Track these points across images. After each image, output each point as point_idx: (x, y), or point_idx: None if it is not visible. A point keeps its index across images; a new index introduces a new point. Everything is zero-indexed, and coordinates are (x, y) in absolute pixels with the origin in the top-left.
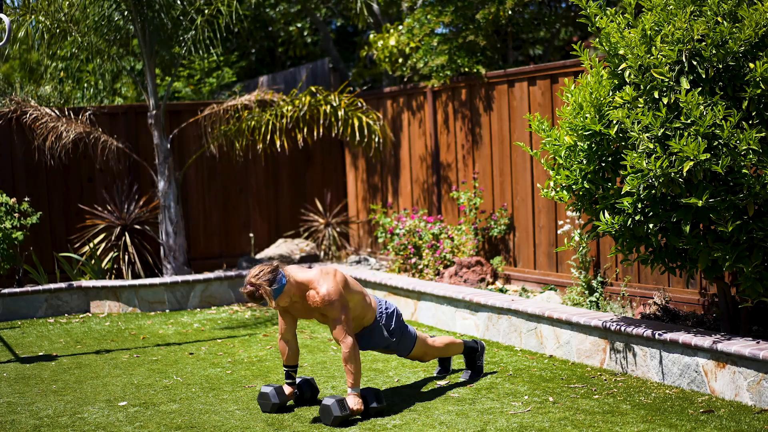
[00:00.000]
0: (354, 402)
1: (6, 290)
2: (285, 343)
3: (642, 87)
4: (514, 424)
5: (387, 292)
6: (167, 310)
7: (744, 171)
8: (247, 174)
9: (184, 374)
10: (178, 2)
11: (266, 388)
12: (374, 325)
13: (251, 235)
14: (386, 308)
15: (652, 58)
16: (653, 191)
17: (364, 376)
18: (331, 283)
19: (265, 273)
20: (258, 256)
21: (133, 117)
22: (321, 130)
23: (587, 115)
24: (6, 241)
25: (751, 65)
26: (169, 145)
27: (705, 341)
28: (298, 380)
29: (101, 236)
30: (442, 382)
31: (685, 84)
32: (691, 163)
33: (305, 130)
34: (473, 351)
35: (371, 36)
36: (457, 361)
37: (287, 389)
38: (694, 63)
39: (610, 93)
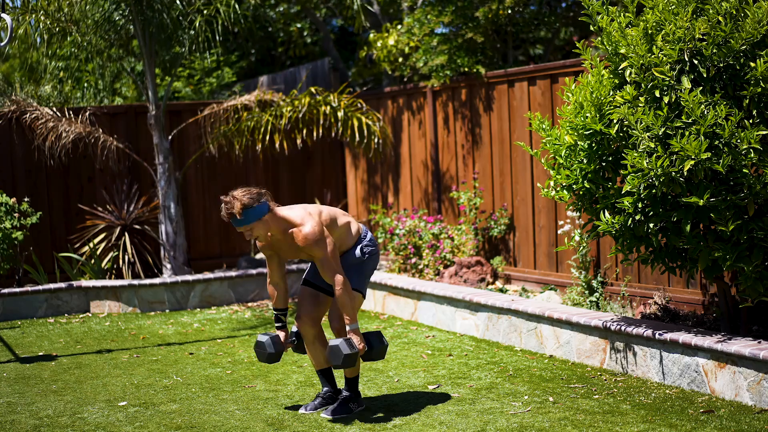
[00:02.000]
0: (358, 340)
1: (6, 290)
2: (274, 287)
3: (643, 86)
4: (514, 424)
5: (387, 292)
6: (167, 310)
7: (744, 170)
8: (247, 174)
9: (184, 374)
10: (178, 2)
11: (262, 337)
12: (353, 246)
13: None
14: (371, 237)
15: (653, 57)
16: (654, 191)
17: (364, 376)
18: (314, 222)
19: (250, 192)
20: (258, 256)
21: (133, 117)
22: (320, 131)
23: (588, 115)
24: (6, 241)
25: (752, 64)
26: (169, 145)
27: (705, 341)
28: (294, 329)
29: (101, 236)
30: (442, 382)
31: (686, 83)
32: (692, 163)
33: (305, 131)
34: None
35: (371, 36)
36: (458, 360)
37: (281, 335)
38: (695, 62)
39: (611, 92)
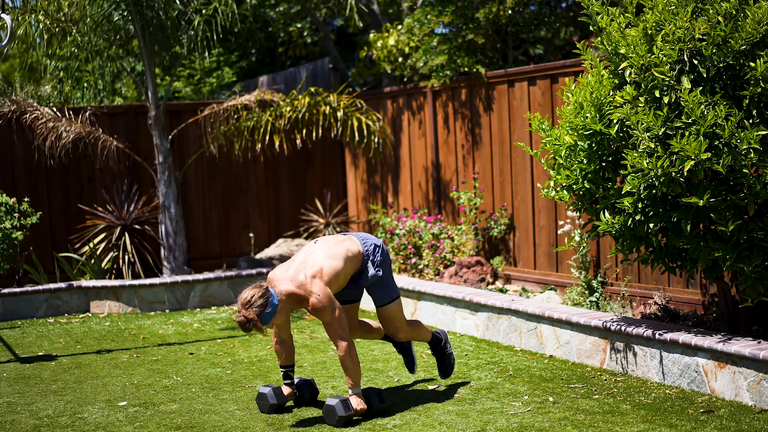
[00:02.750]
0: (357, 402)
1: (6, 290)
2: (281, 345)
3: (643, 86)
4: (514, 424)
5: None
6: (167, 310)
7: (744, 170)
8: (247, 174)
9: (184, 374)
10: (177, 2)
11: (264, 389)
12: (363, 265)
13: (251, 235)
14: (373, 243)
15: (653, 57)
16: (654, 191)
17: (364, 376)
18: (319, 288)
19: (256, 299)
20: (258, 256)
21: (133, 117)
22: (320, 131)
23: (588, 115)
24: (6, 241)
25: (752, 64)
26: (169, 145)
27: (705, 341)
28: (297, 380)
29: (101, 236)
30: (442, 382)
31: (686, 83)
32: (692, 163)
33: (304, 131)
34: (438, 341)
35: (371, 36)
36: (458, 361)
37: (286, 390)
38: (695, 62)
39: (611, 92)
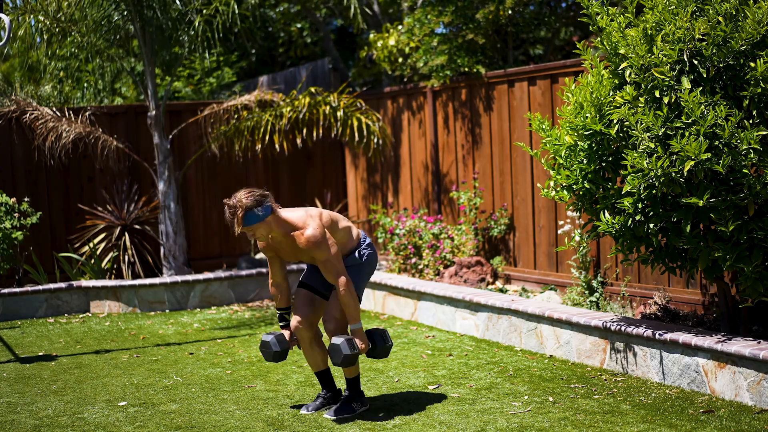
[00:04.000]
0: (360, 341)
1: (6, 290)
2: (276, 288)
3: (643, 86)
4: (514, 424)
5: (387, 292)
6: (167, 310)
7: (744, 170)
8: (247, 174)
9: (184, 374)
10: (177, 2)
11: (267, 336)
12: (352, 251)
13: None
14: (369, 241)
15: (653, 57)
16: (654, 191)
17: (364, 376)
18: (316, 224)
19: (254, 195)
20: (258, 256)
21: (133, 117)
22: (320, 131)
23: (588, 115)
24: (6, 241)
25: (752, 64)
26: (169, 145)
27: (705, 341)
28: None
29: (101, 236)
30: (443, 382)
31: (686, 83)
32: (692, 163)
33: (304, 131)
34: (356, 383)
35: (371, 36)
36: (458, 360)
37: (286, 333)
38: (695, 62)
39: (611, 92)
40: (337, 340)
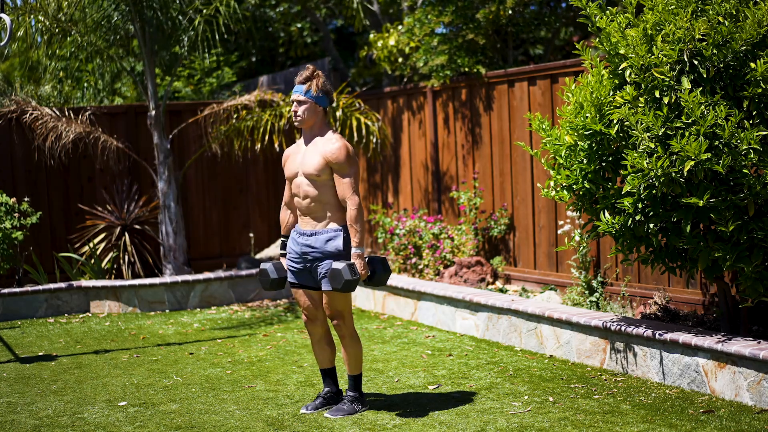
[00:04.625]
0: (360, 265)
1: (6, 290)
2: (288, 209)
3: (643, 86)
4: (514, 424)
5: (387, 291)
6: (167, 310)
7: (744, 171)
8: (247, 174)
9: (184, 374)
10: (177, 2)
11: (265, 264)
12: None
13: (251, 235)
14: None
15: (653, 57)
16: (654, 191)
17: (364, 376)
18: (349, 145)
19: (329, 85)
20: (258, 256)
21: (133, 117)
22: None
23: (588, 115)
24: (6, 241)
25: (752, 65)
26: (169, 145)
27: (705, 341)
28: None
29: (101, 236)
30: (443, 382)
31: (686, 83)
32: (692, 163)
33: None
34: (358, 384)
35: (371, 36)
36: (458, 360)
37: (285, 263)
38: (695, 62)
39: (611, 92)
40: (339, 264)
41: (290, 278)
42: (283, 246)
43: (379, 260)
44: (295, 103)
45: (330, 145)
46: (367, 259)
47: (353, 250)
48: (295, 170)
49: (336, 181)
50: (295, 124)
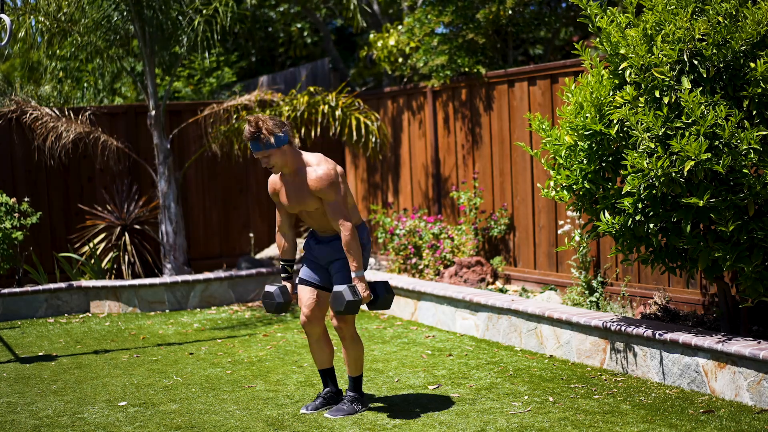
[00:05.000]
0: (363, 287)
1: (6, 290)
2: (282, 236)
3: (643, 86)
4: (514, 424)
5: None
6: (167, 310)
7: (745, 171)
8: (247, 174)
9: (184, 374)
10: (177, 2)
11: (270, 287)
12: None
13: (251, 235)
14: (366, 234)
15: (653, 57)
16: (654, 191)
17: (364, 376)
18: (330, 165)
19: (276, 120)
20: (258, 256)
21: (133, 117)
22: (318, 130)
23: (588, 115)
24: (6, 241)
25: (752, 64)
26: (169, 145)
27: (705, 341)
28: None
29: (101, 236)
30: (443, 382)
31: (686, 83)
32: (692, 163)
33: (303, 129)
34: (358, 386)
35: (371, 36)
36: (458, 360)
37: (288, 286)
38: (695, 62)
39: (611, 92)
40: (340, 287)
41: (303, 275)
42: (284, 270)
43: (381, 284)
44: (262, 160)
45: (312, 175)
46: (369, 283)
47: (353, 275)
48: (294, 205)
49: (324, 205)
50: (274, 173)
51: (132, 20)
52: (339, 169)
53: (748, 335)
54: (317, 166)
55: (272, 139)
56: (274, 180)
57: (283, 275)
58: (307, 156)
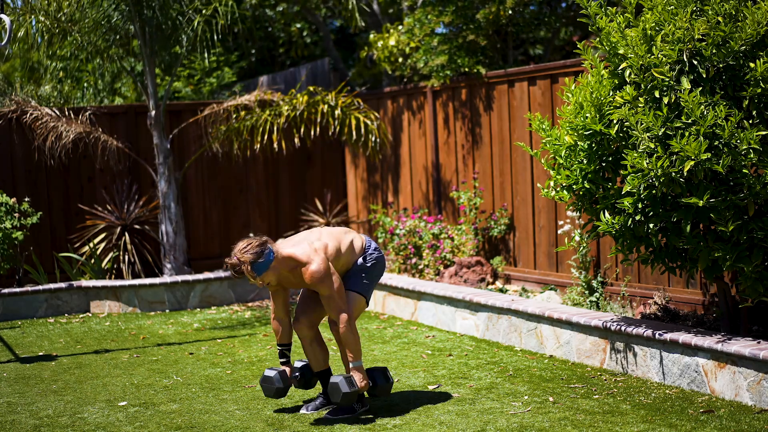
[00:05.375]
0: (359, 378)
1: (6, 290)
2: (278, 322)
3: (642, 86)
4: (514, 424)
5: (387, 292)
6: (167, 310)
7: (744, 171)
8: (247, 174)
9: (184, 374)
10: (177, 2)
11: (270, 372)
12: (360, 259)
13: (251, 235)
14: (375, 246)
15: (652, 57)
16: (654, 191)
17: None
18: (320, 259)
19: (252, 247)
20: None
21: (133, 117)
22: (318, 130)
23: (588, 115)
24: (6, 241)
25: (752, 65)
26: (169, 145)
27: (705, 341)
28: (299, 364)
29: (101, 236)
30: (443, 382)
31: (686, 84)
32: (692, 163)
33: (302, 129)
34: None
35: (371, 36)
36: (458, 360)
37: (288, 371)
38: (695, 62)
39: (611, 92)
40: (336, 378)
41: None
42: (282, 354)
43: (379, 371)
44: (259, 284)
45: (306, 274)
46: (367, 370)
47: (350, 365)
48: (297, 287)
49: (320, 297)
50: (273, 290)
51: (132, 20)
52: (330, 247)
53: (748, 335)
54: (308, 263)
55: (256, 269)
56: (273, 299)
57: (281, 360)
58: (295, 251)
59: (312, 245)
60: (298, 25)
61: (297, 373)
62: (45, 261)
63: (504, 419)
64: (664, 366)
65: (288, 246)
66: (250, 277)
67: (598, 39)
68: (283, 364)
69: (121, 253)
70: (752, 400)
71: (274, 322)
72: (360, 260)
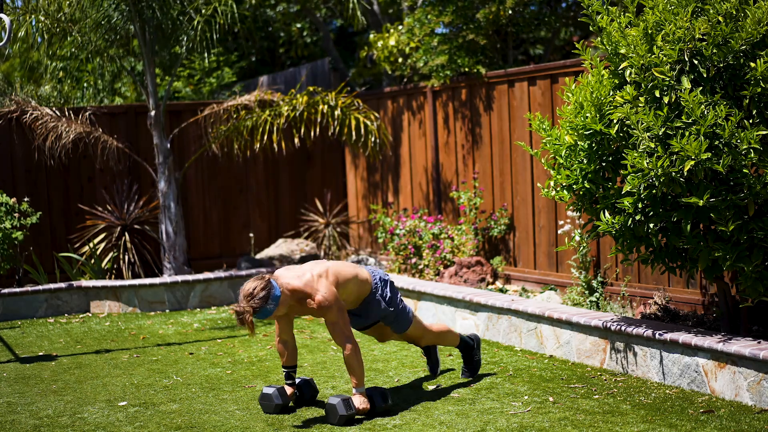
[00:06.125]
0: (360, 401)
1: (6, 290)
2: (283, 345)
3: (643, 86)
4: (514, 424)
5: None
6: (167, 310)
7: (745, 170)
8: (247, 174)
9: (184, 374)
10: (177, 2)
11: (269, 389)
12: (371, 297)
13: (251, 235)
14: (381, 277)
15: (653, 57)
16: (654, 191)
17: (365, 377)
18: (324, 287)
19: (259, 291)
20: (258, 256)
21: (133, 117)
22: (318, 130)
23: (588, 115)
24: (6, 241)
25: (752, 64)
26: (169, 145)
27: (705, 341)
28: (297, 380)
29: (101, 236)
30: (442, 382)
31: (686, 83)
32: (692, 163)
33: (302, 129)
34: (469, 347)
35: (371, 36)
36: (457, 360)
37: (288, 390)
38: (695, 62)
39: (611, 92)
40: (334, 400)
41: None
42: (288, 376)
43: (378, 392)
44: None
45: (313, 304)
46: (366, 390)
47: (353, 390)
48: (303, 314)
49: (326, 324)
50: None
51: (132, 20)
52: (332, 276)
53: (748, 335)
54: (313, 292)
55: (259, 312)
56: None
57: (287, 381)
58: (299, 284)
59: (313, 274)
60: (298, 25)
61: (296, 392)
62: (45, 261)
63: (504, 419)
64: (664, 366)
65: (293, 279)
66: (253, 329)
67: (598, 39)
68: (289, 385)
69: (121, 253)
70: (752, 400)
71: (279, 345)
72: (383, 304)
